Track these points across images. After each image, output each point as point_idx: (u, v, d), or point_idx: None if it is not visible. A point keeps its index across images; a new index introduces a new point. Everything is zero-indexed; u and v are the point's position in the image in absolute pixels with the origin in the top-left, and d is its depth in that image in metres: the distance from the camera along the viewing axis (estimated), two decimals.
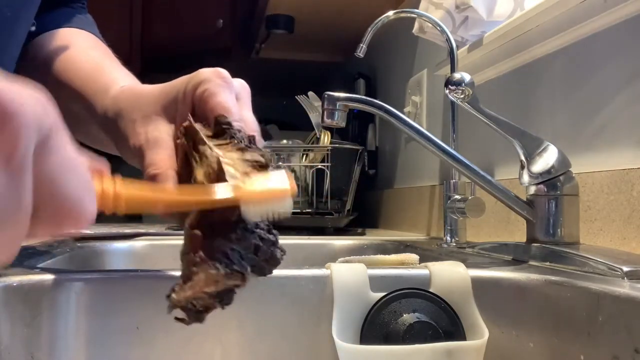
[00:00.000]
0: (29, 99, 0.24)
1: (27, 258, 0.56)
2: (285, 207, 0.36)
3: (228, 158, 0.37)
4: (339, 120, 0.70)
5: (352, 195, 1.29)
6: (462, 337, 0.48)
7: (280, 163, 1.25)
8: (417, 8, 1.02)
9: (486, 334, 0.48)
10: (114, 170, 0.32)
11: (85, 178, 0.29)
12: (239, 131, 0.39)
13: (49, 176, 0.26)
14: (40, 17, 0.57)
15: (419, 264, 0.56)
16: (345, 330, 0.47)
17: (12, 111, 0.23)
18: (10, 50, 0.53)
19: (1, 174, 0.24)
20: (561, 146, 0.64)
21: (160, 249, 0.85)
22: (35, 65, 0.57)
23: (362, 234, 1.19)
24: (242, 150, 0.38)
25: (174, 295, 0.35)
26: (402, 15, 0.96)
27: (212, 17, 2.01)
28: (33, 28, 0.57)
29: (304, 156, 1.28)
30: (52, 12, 0.60)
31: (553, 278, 0.49)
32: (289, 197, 0.36)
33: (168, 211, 0.36)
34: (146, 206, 0.34)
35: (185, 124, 0.41)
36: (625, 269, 0.48)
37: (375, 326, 0.47)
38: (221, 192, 0.35)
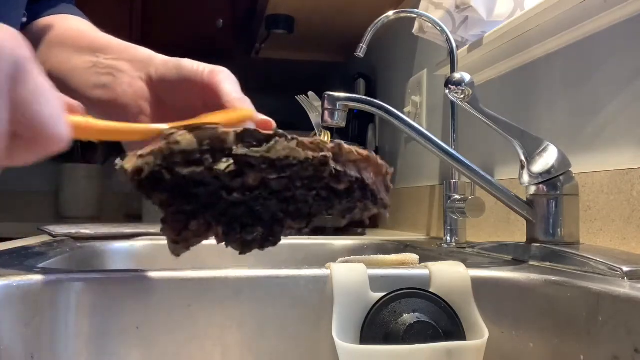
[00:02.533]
0: (2, 35, 0.29)
1: (27, 258, 0.56)
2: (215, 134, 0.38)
3: None
4: (339, 120, 0.70)
5: None
6: (462, 337, 0.48)
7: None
8: (417, 8, 1.02)
9: (486, 334, 0.48)
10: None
11: (57, 105, 0.31)
12: None
13: (24, 101, 0.29)
14: (32, 8, 0.57)
15: (419, 264, 0.56)
16: (345, 330, 0.47)
17: None
18: None
19: None
20: (561, 146, 0.64)
21: (160, 249, 0.85)
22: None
23: (362, 234, 1.19)
24: None
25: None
26: (402, 15, 0.96)
27: (212, 17, 2.01)
28: (24, 19, 0.57)
29: None
30: (41, 3, 0.60)
31: (553, 278, 0.49)
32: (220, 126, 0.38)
33: (123, 139, 0.40)
34: (108, 135, 0.37)
35: None
36: (625, 269, 0.48)
37: (375, 326, 0.47)
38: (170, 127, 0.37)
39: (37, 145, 0.31)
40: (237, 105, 0.43)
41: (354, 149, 0.37)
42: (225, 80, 0.45)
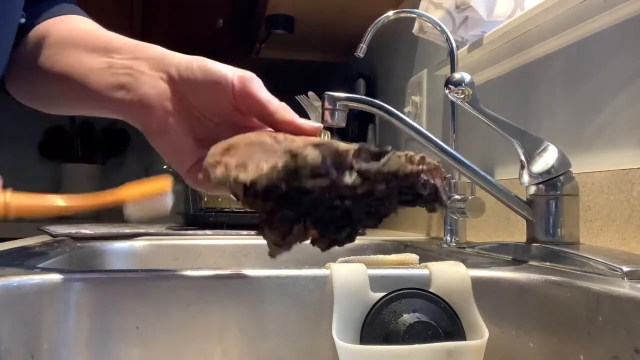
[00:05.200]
0: None
1: (27, 258, 0.56)
2: (163, 207, 0.40)
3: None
4: (339, 120, 0.70)
5: None
6: (462, 337, 0.48)
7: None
8: (417, 8, 1.02)
9: (486, 334, 0.48)
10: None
11: None
12: None
13: None
14: (30, 8, 0.57)
15: (419, 264, 0.56)
16: (345, 330, 0.47)
17: None
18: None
19: None
20: (561, 146, 0.64)
21: (160, 249, 0.85)
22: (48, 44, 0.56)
23: (362, 234, 1.19)
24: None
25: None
26: (402, 15, 0.96)
27: (212, 17, 2.01)
28: (22, 20, 0.57)
29: None
30: (40, 3, 0.60)
31: (553, 278, 0.49)
32: (164, 198, 0.41)
33: (54, 216, 0.41)
34: (34, 213, 0.39)
35: None
36: (625, 269, 0.48)
37: (375, 326, 0.47)
38: (102, 197, 0.41)
39: None
40: (281, 113, 0.47)
41: (428, 159, 0.43)
42: (261, 88, 0.47)
